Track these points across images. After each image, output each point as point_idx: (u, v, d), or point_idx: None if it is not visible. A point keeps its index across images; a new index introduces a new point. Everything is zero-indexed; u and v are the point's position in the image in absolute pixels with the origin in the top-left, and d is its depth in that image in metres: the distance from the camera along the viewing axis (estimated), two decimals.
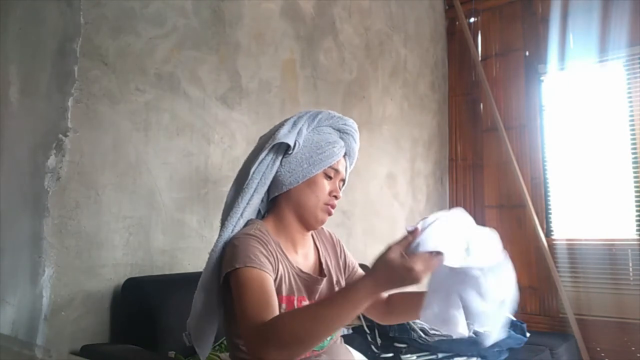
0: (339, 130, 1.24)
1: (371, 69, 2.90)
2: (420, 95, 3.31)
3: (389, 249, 0.88)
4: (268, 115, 2.26)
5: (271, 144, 1.16)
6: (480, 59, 3.39)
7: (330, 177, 1.20)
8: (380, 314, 1.30)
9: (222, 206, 2.13)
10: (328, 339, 1.16)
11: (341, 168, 1.23)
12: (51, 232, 1.55)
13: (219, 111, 2.07)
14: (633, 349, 2.72)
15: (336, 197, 1.21)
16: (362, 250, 2.67)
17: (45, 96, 1.57)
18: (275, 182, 1.19)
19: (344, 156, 1.25)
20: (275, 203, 1.21)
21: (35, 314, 1.52)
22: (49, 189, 1.56)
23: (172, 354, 1.58)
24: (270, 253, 1.09)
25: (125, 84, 1.77)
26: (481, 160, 3.39)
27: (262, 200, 1.22)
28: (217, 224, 2.02)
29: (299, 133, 1.17)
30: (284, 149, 1.17)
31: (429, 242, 0.86)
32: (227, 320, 1.16)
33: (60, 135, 1.59)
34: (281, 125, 1.20)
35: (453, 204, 3.49)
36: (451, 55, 3.62)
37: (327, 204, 1.19)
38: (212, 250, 1.14)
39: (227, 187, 2.05)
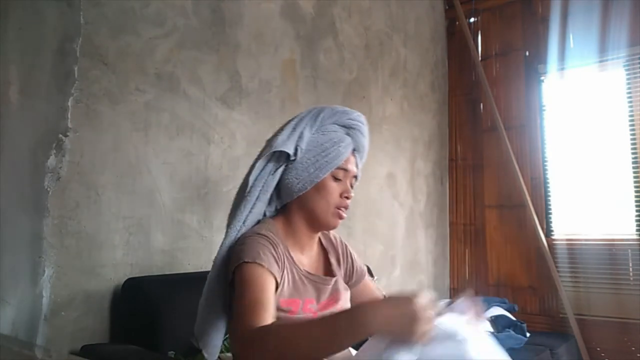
0: (344, 126, 1.19)
1: (371, 68, 2.90)
2: (420, 95, 3.31)
3: (415, 296, 0.81)
4: (268, 115, 2.26)
5: (268, 152, 1.13)
6: (480, 59, 3.39)
7: (339, 179, 1.16)
8: None
9: (222, 206, 2.13)
10: None
11: (350, 166, 1.18)
12: (51, 232, 1.55)
13: (219, 111, 2.07)
14: (633, 349, 2.72)
15: (348, 198, 1.17)
16: (362, 250, 2.68)
17: (45, 96, 1.57)
18: (284, 188, 1.16)
19: (353, 152, 1.20)
20: (286, 206, 1.19)
21: (35, 314, 1.52)
22: (49, 189, 1.56)
23: (172, 354, 1.58)
24: (279, 256, 1.08)
25: (125, 84, 1.77)
26: (481, 160, 3.39)
27: (269, 204, 1.19)
28: (217, 224, 2.03)
29: (299, 137, 1.14)
30: (286, 156, 1.14)
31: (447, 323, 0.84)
32: (233, 320, 1.15)
33: (60, 135, 1.59)
34: (281, 130, 1.16)
35: (453, 204, 3.49)
36: (451, 55, 3.62)
37: (338, 208, 1.16)
38: (216, 256, 1.13)
39: (227, 187, 2.06)
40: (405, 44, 3.20)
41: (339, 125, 1.18)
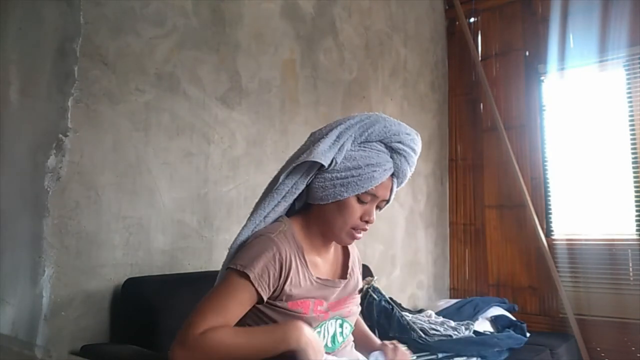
0: (391, 148, 1.10)
1: (371, 68, 2.90)
2: (420, 95, 3.31)
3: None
4: (268, 115, 2.26)
5: (305, 159, 1.07)
6: (480, 59, 3.39)
7: (364, 202, 1.10)
8: None
9: (222, 206, 2.13)
10: (339, 341, 1.17)
11: (382, 192, 1.10)
12: (51, 232, 1.55)
13: (219, 111, 2.07)
14: (633, 349, 2.72)
15: (368, 222, 1.12)
16: (362, 250, 2.67)
17: (45, 96, 1.57)
18: (311, 189, 1.13)
19: (392, 176, 1.11)
20: (308, 207, 1.17)
21: (35, 314, 1.52)
22: (49, 189, 1.56)
23: None
24: (284, 262, 1.07)
25: (125, 84, 1.77)
26: (481, 160, 3.39)
27: (299, 198, 1.16)
28: (217, 224, 2.03)
29: (340, 149, 1.07)
30: (320, 165, 1.08)
31: None
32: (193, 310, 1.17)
33: (60, 135, 1.59)
34: (326, 133, 1.10)
35: (453, 204, 3.49)
36: (451, 55, 3.62)
37: (354, 229, 1.12)
38: (232, 244, 1.14)
39: (227, 187, 2.06)
40: (405, 44, 3.20)
41: (385, 144, 1.10)
